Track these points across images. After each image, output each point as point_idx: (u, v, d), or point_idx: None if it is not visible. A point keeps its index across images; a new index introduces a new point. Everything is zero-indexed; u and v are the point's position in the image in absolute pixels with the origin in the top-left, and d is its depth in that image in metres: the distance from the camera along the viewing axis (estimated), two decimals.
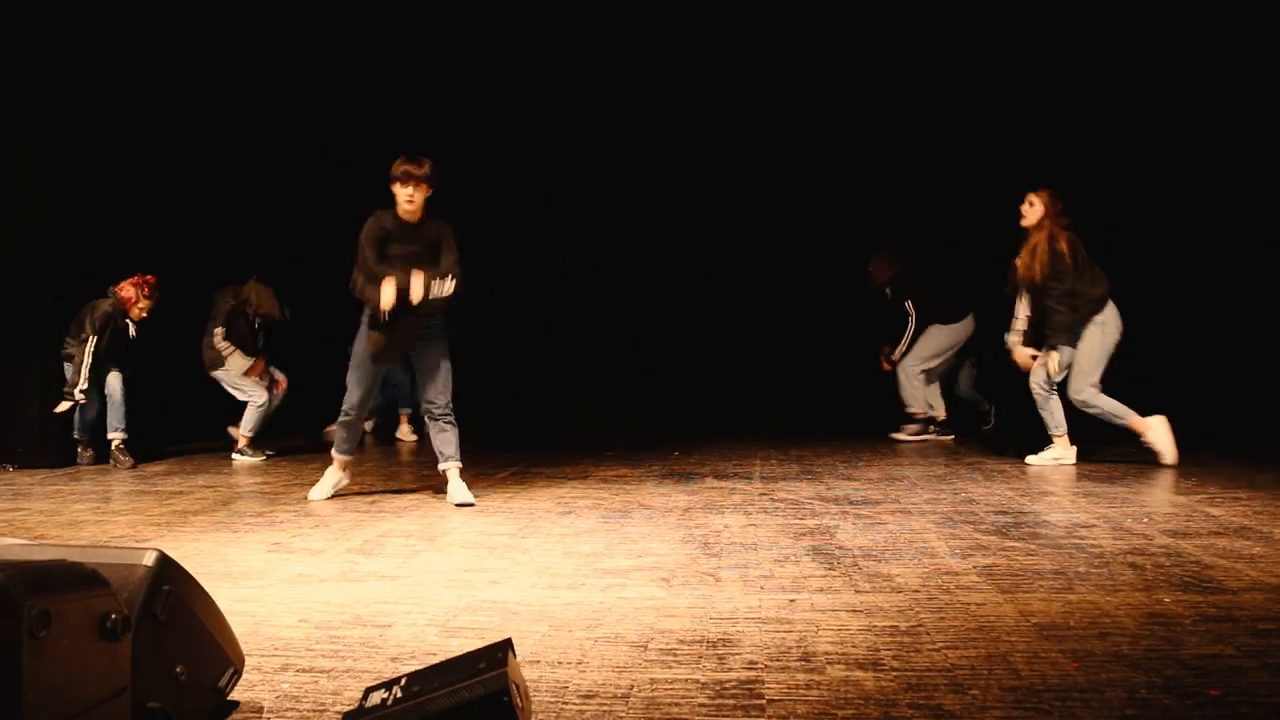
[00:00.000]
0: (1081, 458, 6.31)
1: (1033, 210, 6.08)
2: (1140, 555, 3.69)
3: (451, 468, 5.21)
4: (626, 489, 5.51)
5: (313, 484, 5.51)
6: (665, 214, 9.73)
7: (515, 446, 7.50)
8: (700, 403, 9.74)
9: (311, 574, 3.64)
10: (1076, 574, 3.42)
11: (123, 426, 6.99)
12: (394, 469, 6.48)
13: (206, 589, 2.26)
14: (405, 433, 8.35)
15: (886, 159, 9.31)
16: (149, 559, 1.95)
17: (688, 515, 4.69)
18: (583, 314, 9.89)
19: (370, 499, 5.35)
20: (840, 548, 3.93)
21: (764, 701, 2.31)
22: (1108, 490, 5.28)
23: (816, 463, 6.49)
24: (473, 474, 6.13)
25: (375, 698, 1.78)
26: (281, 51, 8.98)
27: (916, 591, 3.24)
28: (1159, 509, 4.68)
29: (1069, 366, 6.07)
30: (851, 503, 5.01)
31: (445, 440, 5.21)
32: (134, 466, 6.79)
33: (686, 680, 2.45)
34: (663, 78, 9.57)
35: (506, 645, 1.80)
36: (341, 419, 5.32)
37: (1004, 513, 4.66)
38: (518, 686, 1.73)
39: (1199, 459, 6.29)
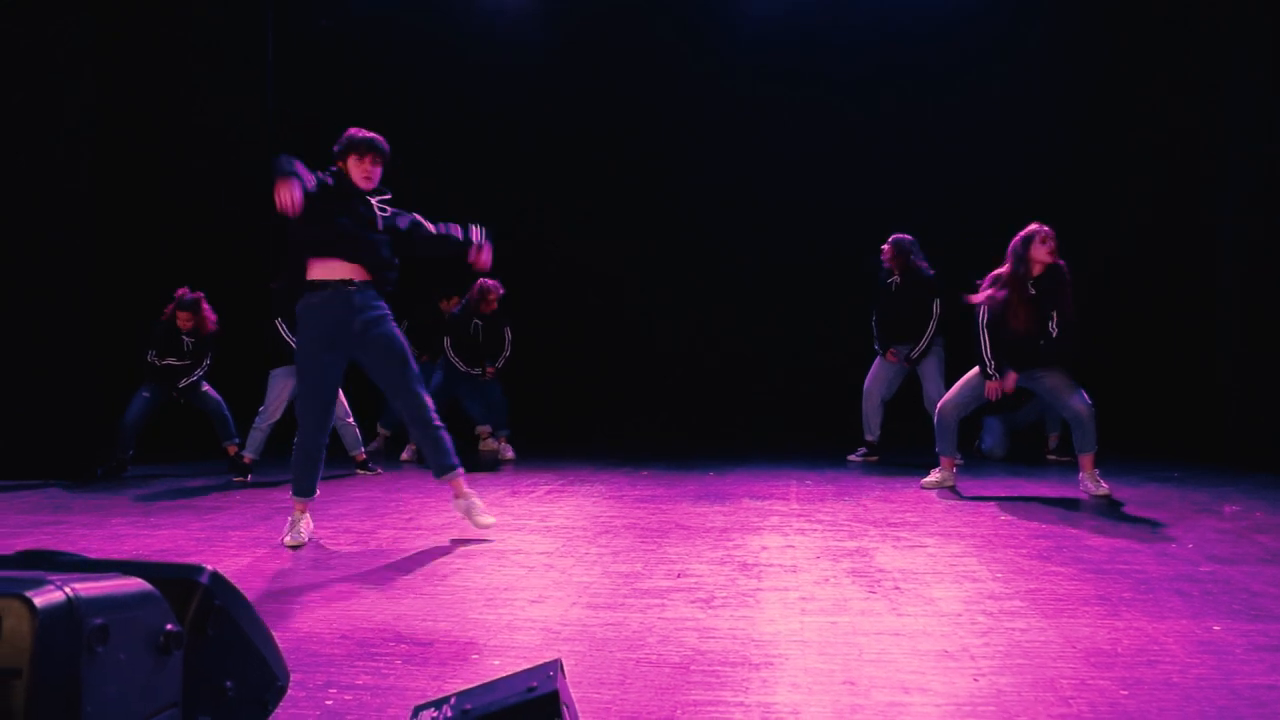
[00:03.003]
0: (1124, 481, 6.23)
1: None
2: (1187, 581, 3.64)
3: (454, 476, 4.79)
4: (662, 509, 5.49)
5: (349, 501, 5.54)
6: (699, 228, 9.71)
7: (548, 466, 7.50)
8: (733, 423, 9.69)
9: (351, 590, 3.65)
10: (1122, 600, 3.37)
11: (231, 438, 7.43)
12: (430, 485, 6.48)
13: (255, 602, 2.27)
14: (489, 446, 8.36)
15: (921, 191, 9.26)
16: (202, 575, 1.96)
17: (725, 535, 4.67)
18: (613, 331, 9.88)
19: (407, 516, 5.36)
20: (880, 570, 3.90)
21: None
22: (1151, 514, 5.21)
23: (852, 484, 6.44)
24: (506, 491, 6.16)
25: (425, 716, 1.77)
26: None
27: (959, 615, 3.20)
28: (1205, 535, 4.61)
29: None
30: (890, 524, 4.98)
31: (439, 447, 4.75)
32: (246, 479, 6.91)
33: (731, 703, 2.44)
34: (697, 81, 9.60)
35: (556, 665, 1.79)
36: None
37: (1045, 536, 4.61)
38: (568, 708, 1.73)
39: (1244, 483, 6.20)
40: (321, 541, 4.66)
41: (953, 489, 6.08)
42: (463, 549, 4.42)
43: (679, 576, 3.81)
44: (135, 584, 1.72)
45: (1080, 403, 5.80)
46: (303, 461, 4.62)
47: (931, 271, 7.39)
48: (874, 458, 7.61)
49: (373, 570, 4.00)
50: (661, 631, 3.06)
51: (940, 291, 7.32)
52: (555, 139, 9.76)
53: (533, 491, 6.16)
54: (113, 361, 7.71)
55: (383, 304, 4.70)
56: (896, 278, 7.43)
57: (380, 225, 4.67)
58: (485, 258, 4.88)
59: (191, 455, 7.86)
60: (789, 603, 3.40)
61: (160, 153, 8.69)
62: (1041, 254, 5.79)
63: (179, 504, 5.88)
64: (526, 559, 4.19)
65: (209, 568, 2.02)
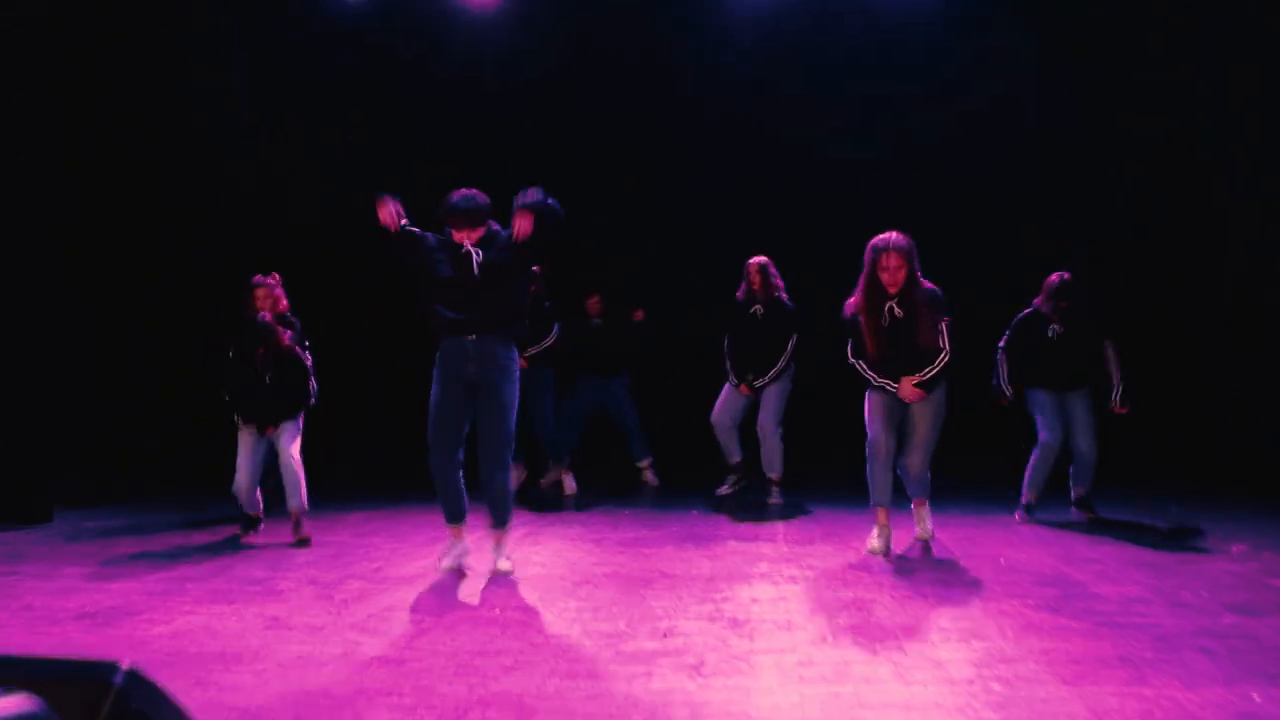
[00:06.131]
0: (1122, 514, 6.01)
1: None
2: (1210, 637, 3.40)
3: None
4: (645, 553, 5.23)
5: (318, 547, 5.27)
6: (699, 228, 9.44)
7: (525, 500, 7.17)
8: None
9: (310, 656, 3.37)
10: (1145, 661, 3.13)
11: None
12: (403, 530, 6.17)
13: (197, 673, 2.00)
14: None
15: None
16: (116, 675, 1.68)
17: (712, 585, 4.42)
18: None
19: (375, 565, 5.06)
20: (880, 627, 3.65)
21: None
22: (1155, 556, 4.99)
23: (839, 523, 6.14)
24: (483, 533, 5.86)
25: None
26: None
27: (972, 682, 2.96)
28: (1217, 580, 4.38)
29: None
30: (884, 570, 4.74)
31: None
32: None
33: None
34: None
35: None
36: None
37: (1050, 583, 4.38)
38: None
39: (1242, 515, 6.01)
40: (286, 593, 4.38)
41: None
42: (433, 604, 4.14)
43: (665, 636, 3.54)
44: (18, 705, 1.45)
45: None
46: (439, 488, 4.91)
47: (789, 300, 7.17)
48: (744, 482, 7.32)
49: (335, 631, 3.72)
50: (648, 706, 2.80)
51: (801, 324, 7.10)
52: (554, 144, 9.57)
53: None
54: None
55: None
56: (760, 306, 7.12)
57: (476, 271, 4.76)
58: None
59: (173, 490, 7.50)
60: (786, 668, 3.14)
61: (160, 154, 8.52)
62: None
63: (138, 550, 5.54)
64: (501, 615, 3.91)
65: (125, 665, 1.74)
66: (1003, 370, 6.28)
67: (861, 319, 5.13)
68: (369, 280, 8.42)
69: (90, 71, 7.87)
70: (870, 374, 5.18)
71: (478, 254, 4.80)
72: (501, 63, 9.44)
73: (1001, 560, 4.95)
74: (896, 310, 5.07)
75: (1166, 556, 4.97)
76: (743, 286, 7.24)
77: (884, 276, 5.03)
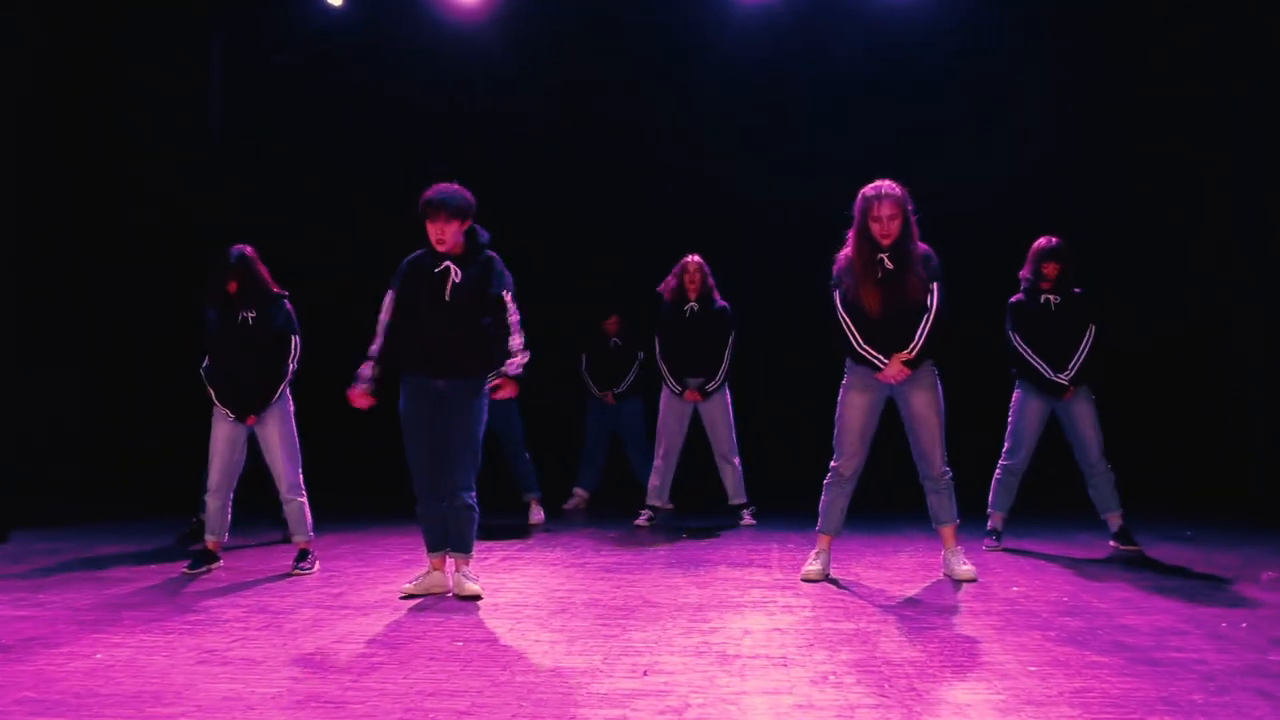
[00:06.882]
0: (1135, 539, 5.62)
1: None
2: (1262, 676, 3.00)
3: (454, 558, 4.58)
4: (629, 579, 4.82)
5: (282, 573, 4.89)
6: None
7: (511, 525, 6.76)
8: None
9: (240, 697, 2.95)
10: (1194, 706, 2.73)
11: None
12: (373, 554, 5.76)
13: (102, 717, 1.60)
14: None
15: None
16: None
17: (700, 615, 4.01)
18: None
19: (336, 591, 4.65)
20: (888, 662, 3.24)
21: None
22: (1183, 583, 4.61)
23: (841, 547, 5.71)
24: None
25: None
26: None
27: None
28: (1256, 609, 3.99)
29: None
30: (889, 598, 4.34)
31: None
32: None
33: None
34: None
35: None
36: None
37: (1071, 613, 3.98)
38: None
39: (1263, 540, 5.65)
40: (230, 623, 3.97)
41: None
42: (390, 636, 3.73)
43: (645, 674, 3.13)
44: None
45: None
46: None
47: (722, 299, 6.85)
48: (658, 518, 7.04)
49: (276, 665, 3.30)
50: None
51: (736, 323, 6.81)
52: (547, 156, 9.32)
53: (486, 559, 5.44)
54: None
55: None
56: (694, 304, 6.77)
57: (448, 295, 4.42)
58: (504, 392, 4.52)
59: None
60: (782, 712, 2.73)
61: (160, 154, 8.45)
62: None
63: (82, 575, 5.11)
64: (465, 649, 3.50)
65: None
66: (1029, 354, 5.47)
67: (854, 273, 4.58)
68: (363, 278, 8.13)
69: (90, 72, 7.80)
70: (856, 339, 4.58)
71: (456, 274, 4.42)
72: (490, 70, 9.18)
73: (1015, 586, 4.56)
74: (888, 263, 4.56)
75: (1194, 583, 4.59)
76: (672, 285, 6.83)
77: (875, 228, 4.53)
